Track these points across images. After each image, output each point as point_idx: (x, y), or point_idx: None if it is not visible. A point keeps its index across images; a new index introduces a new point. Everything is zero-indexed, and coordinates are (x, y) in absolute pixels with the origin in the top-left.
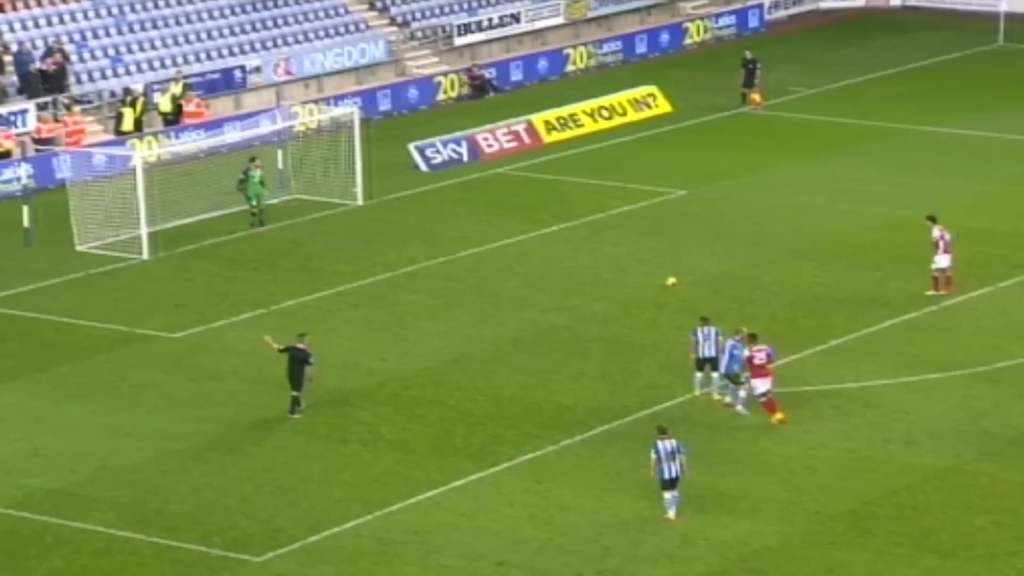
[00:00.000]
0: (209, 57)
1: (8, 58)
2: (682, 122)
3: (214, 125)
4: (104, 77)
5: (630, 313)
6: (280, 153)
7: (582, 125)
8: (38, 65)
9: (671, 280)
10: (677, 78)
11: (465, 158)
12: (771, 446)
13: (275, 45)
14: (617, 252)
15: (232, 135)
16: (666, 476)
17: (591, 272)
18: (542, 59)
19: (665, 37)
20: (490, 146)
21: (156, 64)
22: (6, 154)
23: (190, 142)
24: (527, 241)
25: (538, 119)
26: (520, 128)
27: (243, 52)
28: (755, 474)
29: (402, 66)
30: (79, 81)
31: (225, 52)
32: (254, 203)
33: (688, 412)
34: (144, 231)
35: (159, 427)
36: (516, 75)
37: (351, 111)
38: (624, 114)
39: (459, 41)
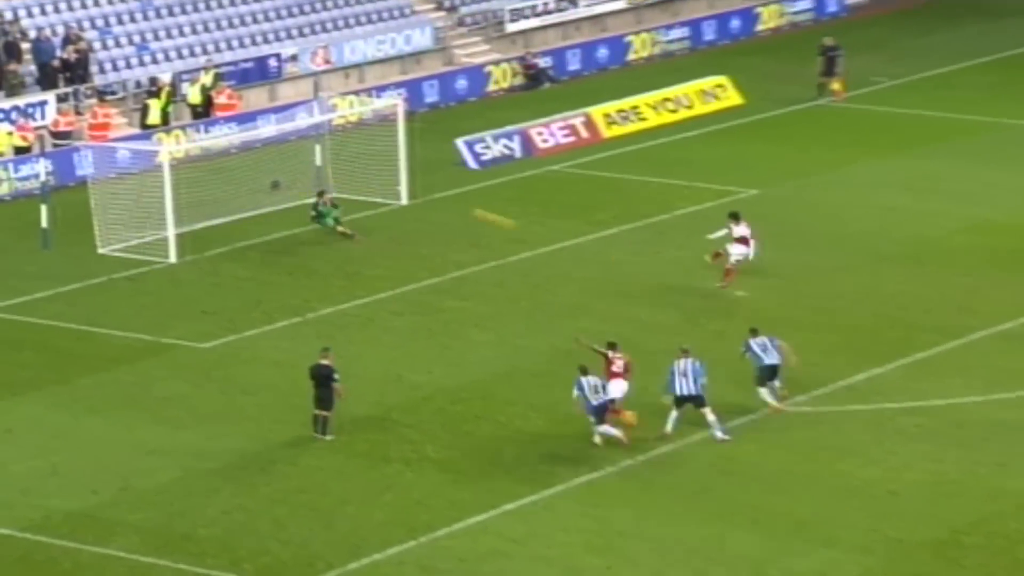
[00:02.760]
0: (242, 44)
1: (26, 46)
2: (754, 115)
3: (247, 118)
4: (128, 66)
5: (697, 323)
6: (318, 148)
7: (645, 118)
8: (59, 54)
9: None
10: (748, 67)
11: (517, 154)
12: (851, 468)
13: (313, 32)
14: (682, 256)
15: (266, 129)
16: (681, 392)
17: (654, 278)
18: (602, 47)
19: (736, 23)
20: (544, 141)
21: (185, 52)
22: (24, 149)
23: (221, 136)
24: (584, 244)
25: (597, 112)
26: (577, 122)
27: (279, 39)
28: (833, 498)
29: (450, 54)
30: (102, 71)
31: (259, 39)
32: (332, 224)
33: (760, 430)
34: (171, 232)
35: (186, 444)
36: (573, 64)
37: (395, 103)
38: (690, 107)
39: (512, 27)
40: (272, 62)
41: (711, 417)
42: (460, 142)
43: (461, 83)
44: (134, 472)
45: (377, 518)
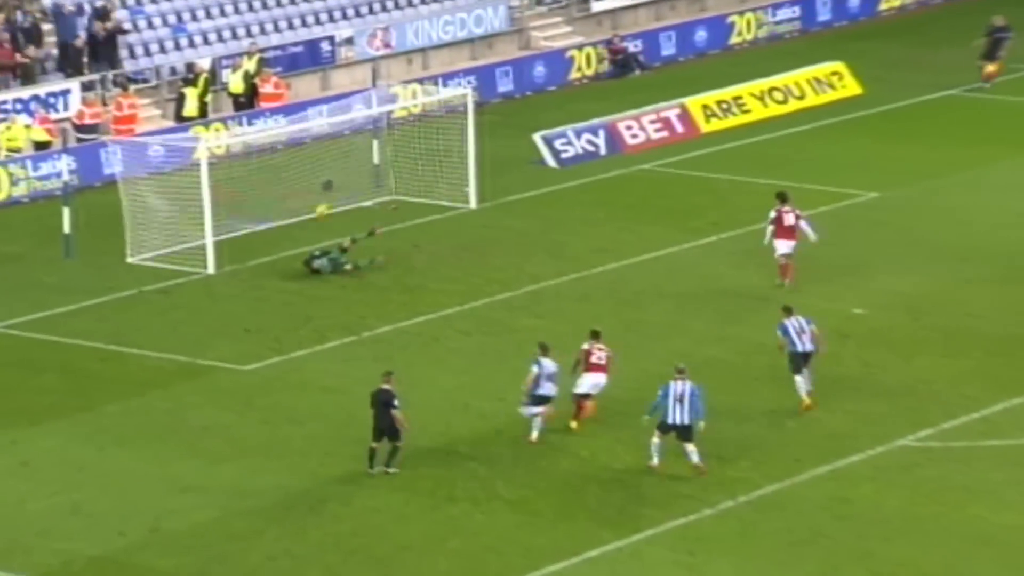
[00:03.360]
0: (290, 26)
1: (47, 27)
2: (874, 107)
3: (295, 109)
4: (162, 50)
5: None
6: (375, 144)
7: (748, 111)
8: (86, 30)
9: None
10: (868, 52)
11: (603, 151)
12: (984, 512)
13: (371, 12)
14: None
15: (317, 122)
16: (673, 420)
17: (757, 293)
18: (700, 28)
19: (854, 2)
20: (634, 136)
21: (226, 35)
22: (44, 144)
23: (266, 131)
24: (679, 254)
25: (694, 103)
26: (672, 114)
27: (332, 20)
28: (964, 547)
29: (526, 37)
30: (132, 55)
31: (309, 20)
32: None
33: (879, 468)
34: (209, 240)
35: (226, 480)
36: (667, 49)
37: (464, 93)
38: (801, 97)
39: (597, 6)
40: (324, 46)
41: (695, 458)
42: (537, 137)
43: (539, 70)
44: (166, 512)
45: (441, 567)
